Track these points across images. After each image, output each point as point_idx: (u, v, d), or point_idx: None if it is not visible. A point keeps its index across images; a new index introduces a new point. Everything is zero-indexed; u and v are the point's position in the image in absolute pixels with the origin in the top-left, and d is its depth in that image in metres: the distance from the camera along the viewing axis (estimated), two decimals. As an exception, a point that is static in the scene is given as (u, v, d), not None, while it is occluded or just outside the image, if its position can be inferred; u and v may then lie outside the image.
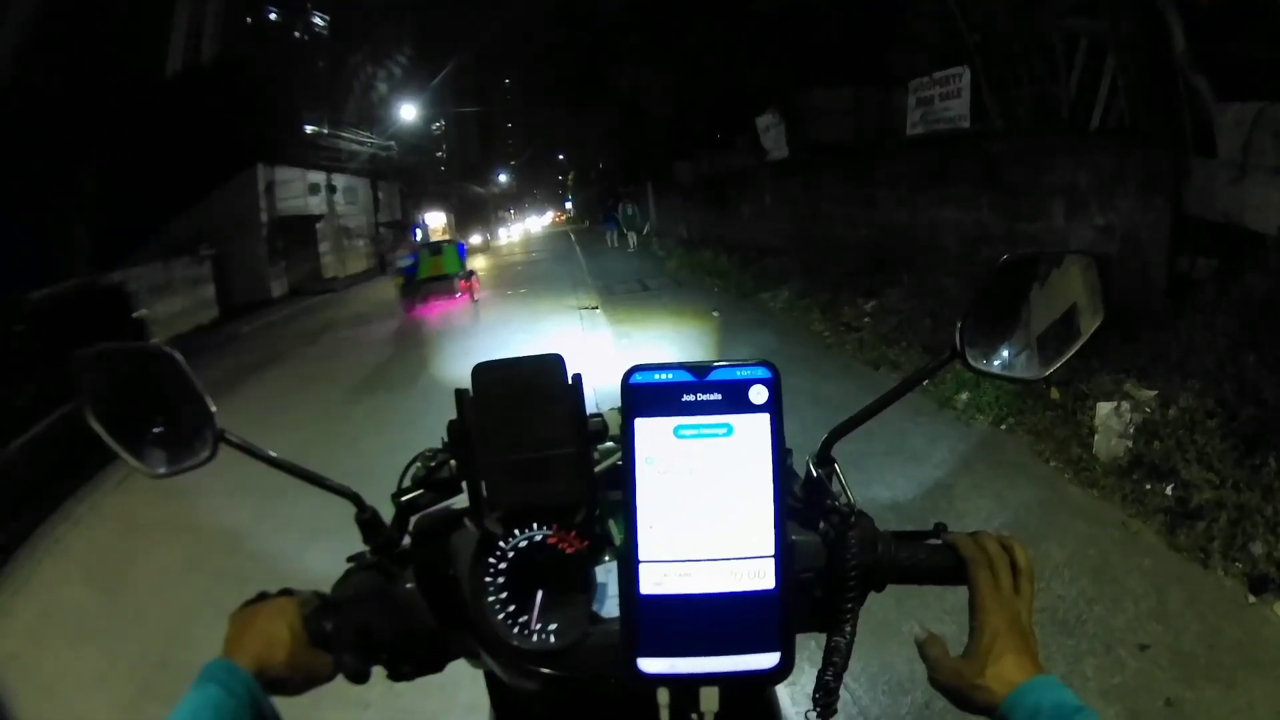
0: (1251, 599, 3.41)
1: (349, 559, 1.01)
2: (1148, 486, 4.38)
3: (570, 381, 0.93)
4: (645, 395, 0.59)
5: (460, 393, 0.94)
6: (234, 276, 19.23)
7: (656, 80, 20.51)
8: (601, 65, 24.68)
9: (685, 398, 0.59)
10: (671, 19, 18.70)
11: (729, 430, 0.59)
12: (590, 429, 0.98)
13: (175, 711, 0.78)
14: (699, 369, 0.58)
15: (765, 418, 0.58)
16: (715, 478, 0.59)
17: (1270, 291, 5.07)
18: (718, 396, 0.59)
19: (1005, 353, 0.90)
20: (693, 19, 17.61)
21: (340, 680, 0.93)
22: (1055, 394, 5.69)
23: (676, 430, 0.59)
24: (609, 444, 1.05)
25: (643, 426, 0.59)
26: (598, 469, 0.99)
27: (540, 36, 33.73)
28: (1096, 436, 4.94)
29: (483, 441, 0.93)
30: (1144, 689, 2.97)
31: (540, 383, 0.93)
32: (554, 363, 0.93)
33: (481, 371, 0.93)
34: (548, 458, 0.93)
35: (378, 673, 0.96)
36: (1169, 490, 4.24)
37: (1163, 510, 4.13)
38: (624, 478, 0.59)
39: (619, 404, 0.61)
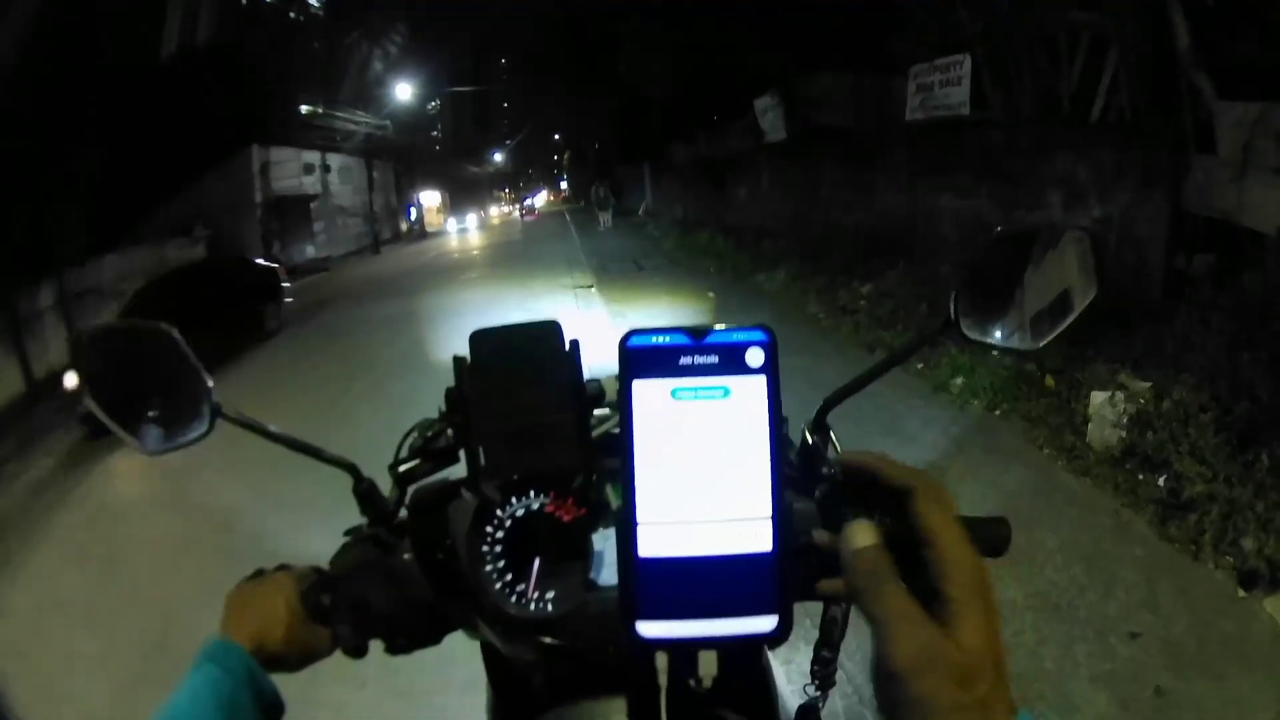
0: (1241, 593, 3.44)
1: (346, 532, 1.01)
2: (1140, 477, 4.41)
3: (567, 348, 0.94)
4: (642, 358, 0.58)
5: (458, 359, 0.94)
6: (229, 255, 19.14)
7: (655, 62, 20.42)
8: (600, 46, 24.60)
9: (682, 360, 0.58)
10: (671, 4, 18.60)
11: (726, 392, 0.58)
12: (588, 395, 0.99)
13: (175, 694, 0.78)
14: (696, 332, 0.58)
15: (762, 380, 0.58)
16: (712, 439, 0.58)
17: (1267, 291, 5.09)
18: (715, 359, 0.58)
19: (999, 324, 0.91)
20: (692, 4, 17.51)
21: (337, 657, 0.93)
22: (1050, 381, 5.70)
23: (674, 392, 0.58)
24: (606, 410, 1.04)
25: (640, 389, 0.58)
26: (595, 434, 0.99)
27: (538, 16, 33.62)
28: (1090, 425, 4.96)
29: (480, 408, 0.94)
30: (1134, 677, 3.01)
31: (538, 349, 0.93)
32: (551, 329, 0.94)
33: (479, 338, 0.93)
34: (545, 424, 0.93)
35: (375, 649, 0.95)
36: (1161, 481, 4.26)
37: (1155, 501, 4.15)
38: (621, 440, 0.58)
39: (616, 372, 0.60)
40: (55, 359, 10.37)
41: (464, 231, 42.04)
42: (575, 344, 0.94)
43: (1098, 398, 4.99)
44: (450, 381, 0.96)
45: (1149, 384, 4.92)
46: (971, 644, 0.51)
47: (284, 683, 0.87)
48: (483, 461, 0.94)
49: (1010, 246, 0.91)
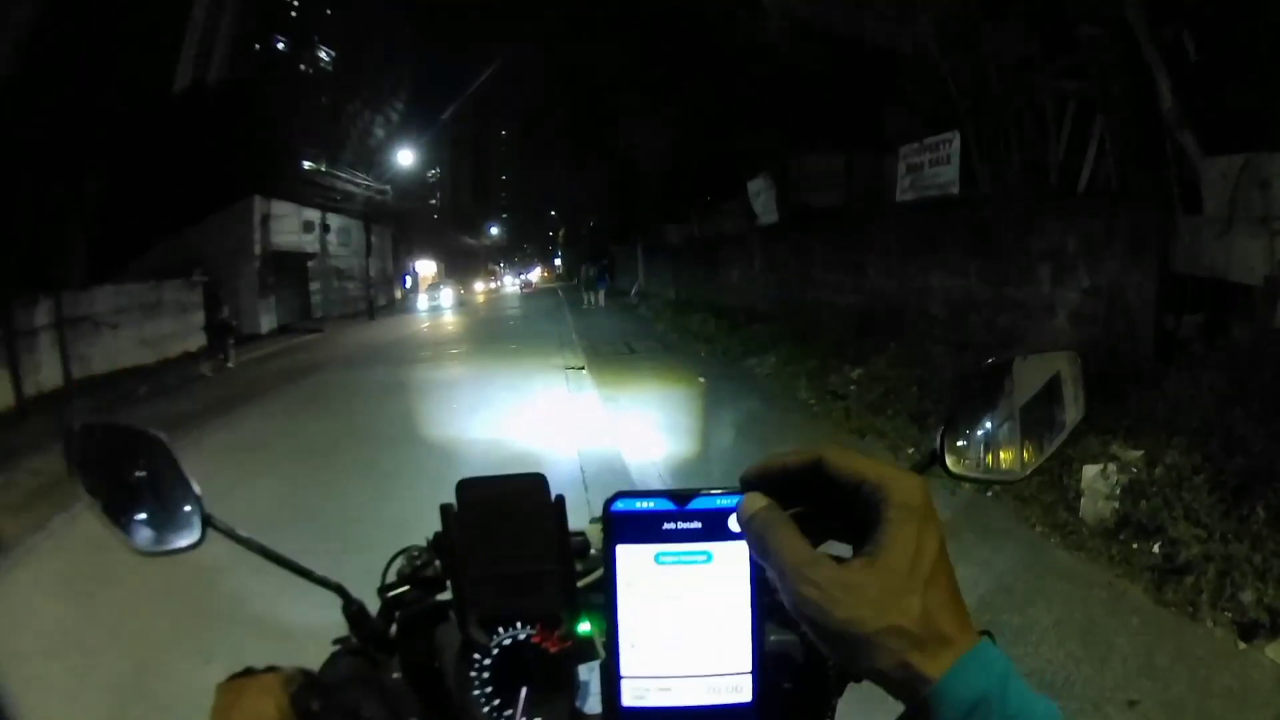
0: (1242, 645, 3.41)
1: (335, 641, 1.02)
2: (1135, 546, 4.39)
3: (553, 501, 0.96)
4: (627, 523, 0.60)
5: (445, 507, 0.96)
6: (224, 305, 19.17)
7: (651, 139, 20.90)
8: (597, 121, 25.16)
9: (666, 525, 0.60)
10: (668, 79, 19.14)
11: (709, 557, 0.60)
12: (573, 547, 1.01)
13: None
14: (680, 497, 0.60)
15: (744, 545, 0.59)
16: (695, 601, 0.60)
17: (1256, 341, 5.15)
18: (698, 525, 0.60)
19: (986, 455, 0.89)
20: (689, 80, 18.02)
21: None
22: (1040, 459, 5.70)
23: (657, 557, 0.60)
24: (593, 558, 1.06)
25: (624, 553, 0.60)
26: (581, 584, 1.00)
27: (539, 90, 34.51)
28: (1083, 500, 4.94)
29: (467, 554, 0.96)
30: (1133, 743, 2.94)
31: (524, 501, 0.96)
32: (537, 483, 0.96)
33: (466, 487, 0.96)
34: (531, 573, 0.95)
35: None
36: (1156, 548, 4.24)
37: (1150, 568, 4.13)
38: (606, 600, 0.60)
39: (599, 513, 0.62)
40: (47, 380, 10.29)
41: (436, 310, 36.54)
42: (560, 499, 0.96)
43: (1090, 471, 4.99)
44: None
45: (1140, 452, 4.91)
46: (894, 562, 0.48)
47: None
48: (469, 601, 0.97)
49: (996, 377, 0.90)
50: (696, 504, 0.59)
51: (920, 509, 0.50)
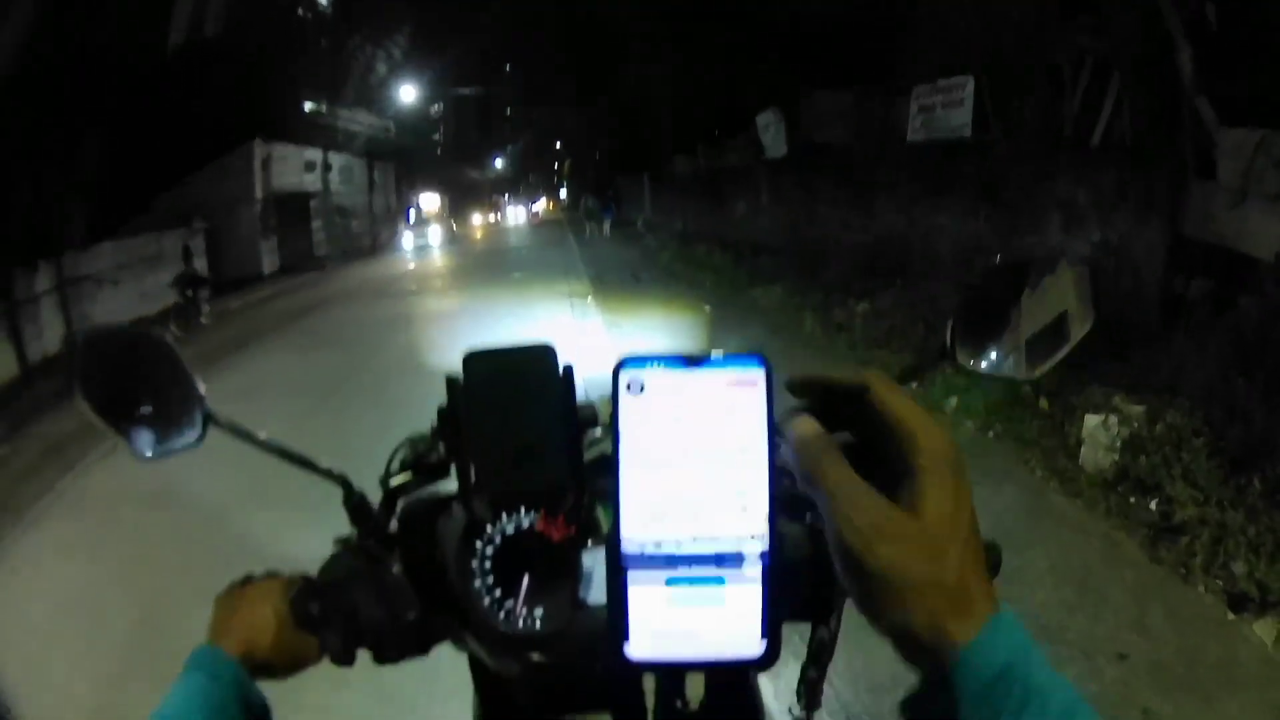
0: (1230, 616, 3.44)
1: (336, 541, 1.00)
2: (1132, 500, 4.43)
3: (561, 372, 0.93)
4: (635, 381, 0.57)
5: (451, 379, 0.94)
6: (226, 251, 19.13)
7: (659, 72, 20.51)
8: (604, 55, 24.70)
9: (675, 395, 0.57)
10: (678, 15, 18.66)
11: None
12: (581, 417, 0.97)
13: (163, 702, 0.78)
14: (692, 359, 0.57)
15: (755, 404, 0.56)
16: (705, 461, 0.57)
17: (1264, 317, 5.11)
18: (711, 387, 0.57)
19: (994, 353, 0.90)
20: (699, 16, 17.57)
21: (325, 666, 0.92)
22: (1044, 404, 5.72)
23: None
24: (599, 432, 1.04)
25: (629, 407, 0.57)
26: (587, 456, 0.98)
27: (546, 24, 33.77)
28: (1083, 448, 4.97)
29: (472, 428, 0.93)
30: (1122, 698, 3.01)
31: (531, 372, 0.93)
32: (545, 352, 0.93)
33: (472, 360, 0.93)
34: (537, 445, 0.93)
35: (363, 657, 0.95)
36: (1153, 505, 4.28)
37: (1146, 524, 4.17)
38: (611, 464, 0.57)
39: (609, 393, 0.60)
40: (50, 344, 10.32)
41: (424, 251, 31.97)
42: (569, 369, 0.93)
43: (1091, 421, 5.00)
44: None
45: (1143, 407, 4.94)
46: (936, 515, 0.47)
47: (271, 687, 0.87)
48: (473, 479, 0.94)
49: (1008, 275, 0.91)
50: (709, 365, 0.56)
51: (955, 464, 0.49)
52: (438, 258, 27.75)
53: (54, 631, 3.97)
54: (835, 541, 0.49)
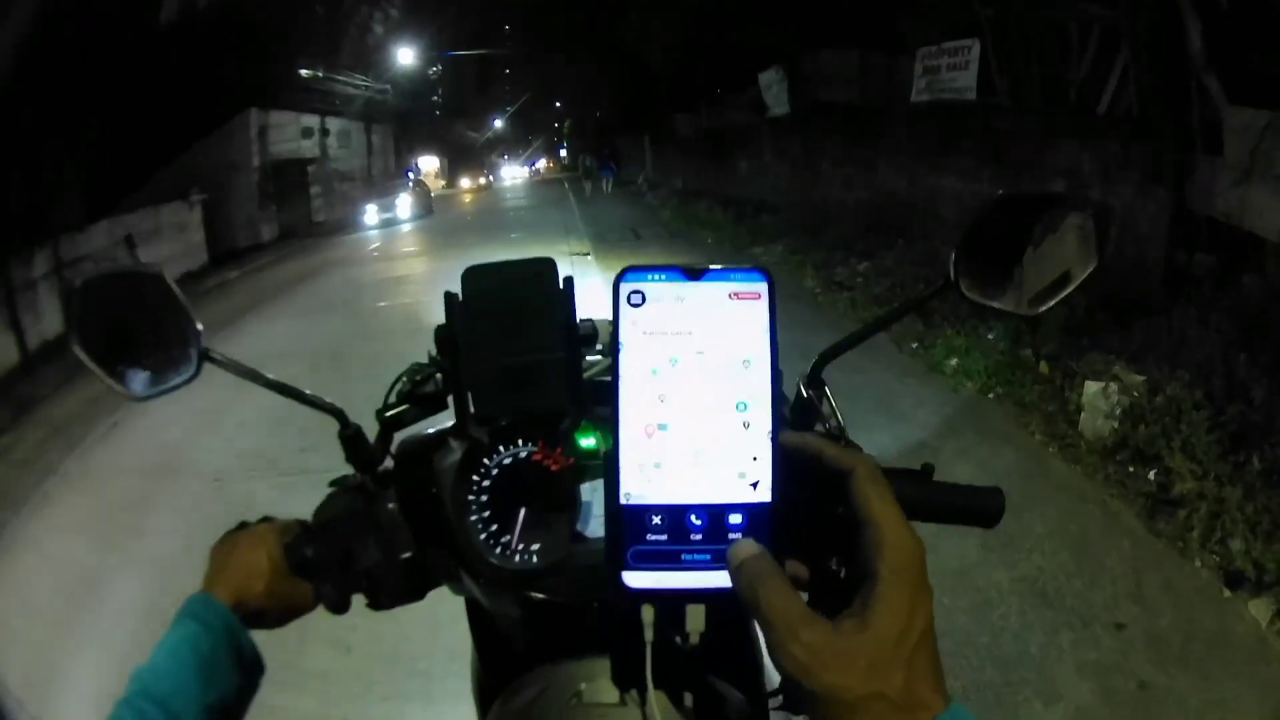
0: (1226, 593, 3.45)
1: (331, 483, 1.00)
2: (1131, 469, 4.43)
3: (561, 286, 0.92)
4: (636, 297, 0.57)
5: (449, 296, 0.93)
6: (225, 219, 19.00)
7: (660, 28, 20.17)
8: (605, 12, 24.31)
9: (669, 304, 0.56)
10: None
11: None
12: (581, 334, 0.97)
13: (155, 649, 0.79)
14: (693, 271, 0.56)
15: (763, 302, 0.56)
16: (707, 391, 0.56)
17: (1267, 295, 5.08)
18: (709, 294, 0.56)
19: (998, 287, 0.90)
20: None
21: (324, 625, 0.92)
22: (1044, 368, 5.71)
23: (672, 360, 0.56)
24: (599, 355, 1.03)
25: (630, 328, 0.57)
26: (587, 375, 0.97)
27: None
28: (1083, 414, 4.97)
29: (471, 345, 0.92)
30: (1118, 669, 3.05)
31: (531, 287, 0.92)
32: (545, 266, 0.92)
33: (471, 275, 0.92)
34: (536, 363, 0.92)
35: (357, 608, 0.95)
36: (1151, 475, 4.29)
37: (1144, 494, 4.18)
38: (611, 382, 0.56)
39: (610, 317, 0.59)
40: (50, 329, 10.30)
41: (390, 225, 25.82)
42: (569, 281, 0.93)
43: (1091, 387, 5.00)
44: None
45: (1143, 378, 4.93)
46: (884, 632, 0.48)
47: (269, 649, 0.87)
48: (472, 407, 0.93)
49: (1013, 210, 0.91)
50: (710, 277, 0.56)
51: (915, 579, 0.50)
52: (428, 220, 27.51)
53: (58, 612, 4.00)
54: (777, 666, 0.50)
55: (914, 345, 6.72)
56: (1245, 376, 4.57)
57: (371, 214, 26.30)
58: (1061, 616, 3.35)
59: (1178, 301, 5.81)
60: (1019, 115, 8.59)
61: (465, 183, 49.45)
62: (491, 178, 54.18)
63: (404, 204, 27.38)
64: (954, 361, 6.27)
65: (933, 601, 0.50)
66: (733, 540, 0.54)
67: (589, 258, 13.08)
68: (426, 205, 29.04)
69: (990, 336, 6.35)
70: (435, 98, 49.86)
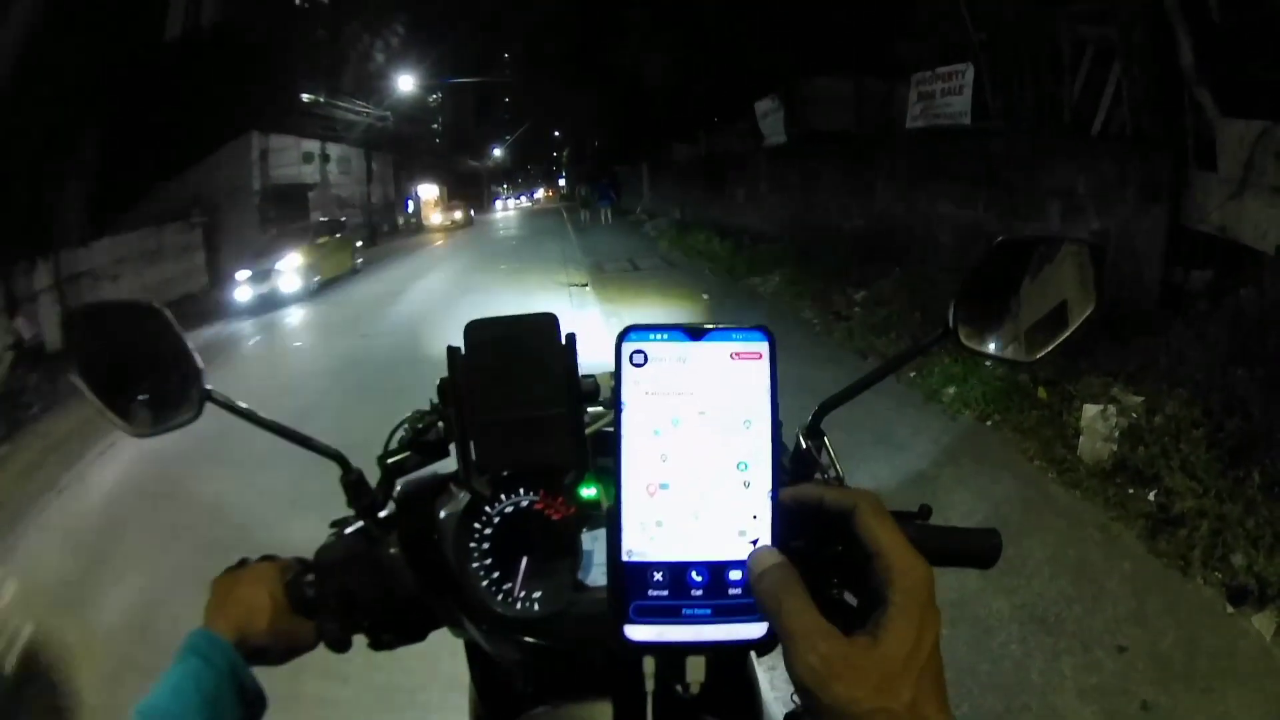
0: (1230, 609, 3.43)
1: (333, 524, 1.00)
2: (1130, 491, 4.41)
3: (564, 342, 0.92)
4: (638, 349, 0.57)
5: (452, 350, 0.93)
6: (225, 244, 19.04)
7: (657, 56, 20.43)
8: (603, 41, 24.63)
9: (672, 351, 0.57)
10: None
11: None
12: (583, 390, 0.96)
13: (157, 686, 0.78)
14: (694, 331, 0.57)
15: (764, 364, 0.57)
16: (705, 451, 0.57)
17: (1265, 309, 5.09)
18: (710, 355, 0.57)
19: (996, 334, 0.90)
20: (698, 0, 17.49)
21: (321, 655, 0.91)
22: (1042, 393, 5.70)
23: (674, 421, 0.57)
24: (600, 408, 1.03)
25: (631, 386, 0.57)
26: (589, 430, 0.96)
27: (544, 10, 33.62)
28: (1081, 438, 4.96)
29: (473, 399, 0.92)
30: (1121, 691, 3.01)
31: (533, 341, 0.92)
32: (547, 322, 0.92)
33: (474, 329, 0.92)
34: (538, 417, 0.92)
35: (359, 646, 0.95)
36: (1151, 496, 4.27)
37: (1144, 515, 4.15)
38: (613, 440, 0.56)
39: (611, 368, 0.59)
40: (49, 342, 10.31)
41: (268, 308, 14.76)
42: (571, 338, 0.92)
43: (1090, 411, 4.99)
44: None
45: (1141, 398, 4.92)
46: (894, 650, 0.50)
47: (267, 679, 0.86)
48: (474, 456, 0.92)
49: (1010, 255, 0.90)
50: (711, 338, 0.57)
51: (924, 602, 0.52)
52: (429, 248, 27.53)
53: (54, 629, 3.96)
54: (792, 676, 0.51)
55: (911, 374, 6.71)
56: (1244, 391, 4.56)
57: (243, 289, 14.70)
58: (1063, 642, 3.32)
59: (1174, 318, 5.82)
60: (1013, 137, 8.67)
61: (436, 218, 39.50)
62: (472, 212, 44.07)
63: (291, 269, 15.50)
64: (952, 389, 6.26)
65: (939, 623, 0.52)
66: (733, 595, 0.56)
67: (587, 288, 13.12)
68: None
69: (988, 364, 6.36)
70: (435, 126, 50.20)
